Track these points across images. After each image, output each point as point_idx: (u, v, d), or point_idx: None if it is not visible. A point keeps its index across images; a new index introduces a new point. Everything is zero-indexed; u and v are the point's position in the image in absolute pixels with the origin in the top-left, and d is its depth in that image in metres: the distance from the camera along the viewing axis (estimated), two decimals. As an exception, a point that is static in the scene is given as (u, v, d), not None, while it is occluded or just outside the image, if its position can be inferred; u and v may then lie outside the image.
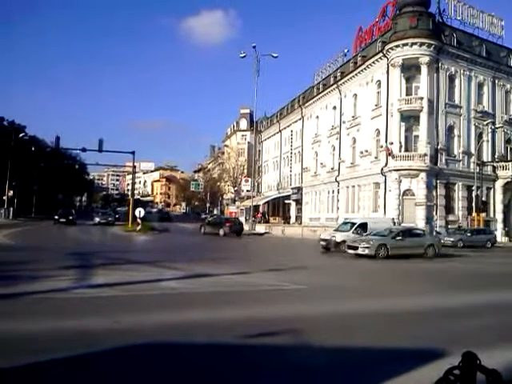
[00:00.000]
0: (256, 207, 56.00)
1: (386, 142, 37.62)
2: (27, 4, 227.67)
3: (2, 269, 13.40)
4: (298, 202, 57.30)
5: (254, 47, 42.05)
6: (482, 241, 31.97)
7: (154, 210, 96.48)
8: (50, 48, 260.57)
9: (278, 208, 64.20)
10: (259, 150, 75.61)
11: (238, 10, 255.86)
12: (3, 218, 48.56)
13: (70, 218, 45.57)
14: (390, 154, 36.49)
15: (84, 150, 45.95)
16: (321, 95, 52.03)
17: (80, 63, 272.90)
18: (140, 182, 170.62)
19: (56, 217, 45.72)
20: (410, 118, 37.25)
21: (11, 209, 51.07)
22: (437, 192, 36.29)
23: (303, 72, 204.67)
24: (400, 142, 36.82)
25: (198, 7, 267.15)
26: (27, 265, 14.26)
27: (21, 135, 56.81)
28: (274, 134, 69.43)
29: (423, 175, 35.44)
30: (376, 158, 40.01)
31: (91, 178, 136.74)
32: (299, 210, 57.06)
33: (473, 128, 39.49)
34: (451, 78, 38.57)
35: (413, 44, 36.19)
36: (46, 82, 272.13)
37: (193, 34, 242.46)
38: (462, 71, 38.90)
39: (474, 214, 36.11)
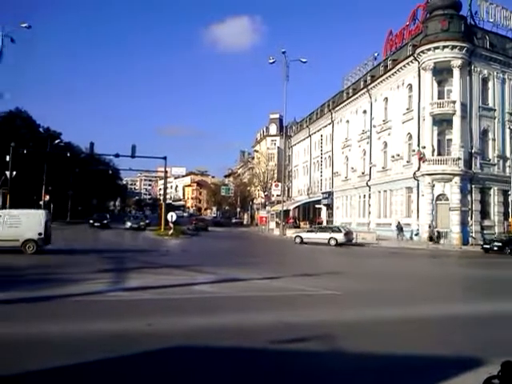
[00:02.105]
0: (286, 212, 55.90)
1: (419, 145, 37.05)
2: (60, 14, 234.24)
3: (39, 272, 13.87)
4: (329, 207, 56.93)
5: (284, 53, 42.10)
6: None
7: (186, 214, 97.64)
8: (83, 56, 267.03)
9: (309, 213, 63.92)
10: (289, 155, 75.49)
11: (263, 16, 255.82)
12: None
13: (105, 222, 46.68)
14: (422, 158, 35.95)
15: (117, 155, 46.86)
16: (351, 99, 51.67)
17: (111, 71, 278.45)
18: (172, 187, 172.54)
19: (91, 221, 46.87)
20: (442, 122, 36.62)
21: (48, 213, 52.36)
22: (472, 197, 35.49)
23: (332, 76, 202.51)
24: (432, 146, 36.22)
25: (223, 15, 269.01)
26: (63, 268, 14.71)
27: (56, 141, 58.43)
28: (304, 139, 69.26)
29: (457, 179, 34.74)
30: (408, 162, 39.45)
31: (124, 183, 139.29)
32: (330, 215, 56.68)
33: (507, 131, 38.52)
34: (484, 81, 37.74)
35: (444, 47, 35.61)
36: (79, 90, 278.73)
37: (218, 41, 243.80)
38: (495, 74, 38.03)
39: (511, 219, 35.18)
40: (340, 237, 32.86)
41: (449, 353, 6.51)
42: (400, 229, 37.69)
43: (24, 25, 35.78)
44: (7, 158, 40.11)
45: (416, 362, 6.21)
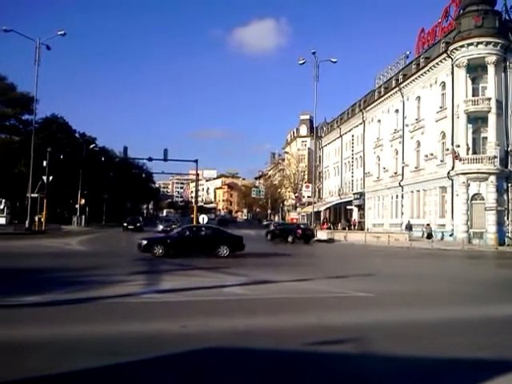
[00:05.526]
0: (317, 213, 55.64)
1: (453, 144, 36.32)
2: (96, 20, 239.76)
3: (75, 274, 14.19)
4: (361, 208, 56.39)
5: (314, 53, 41.94)
6: None
7: (217, 217, 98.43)
8: (117, 63, 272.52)
9: (340, 214, 63.42)
10: (320, 156, 75.16)
11: (288, 18, 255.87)
12: (76, 225, 51.17)
13: (138, 224, 47.45)
14: (456, 157, 35.21)
15: (150, 159, 47.70)
16: (382, 99, 51.07)
17: (140, 76, 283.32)
18: (203, 190, 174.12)
19: (125, 224, 47.75)
20: (477, 120, 35.82)
21: (83, 216, 53.73)
22: (508, 196, 34.60)
23: (363, 76, 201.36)
24: (467, 145, 35.43)
25: (247, 18, 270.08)
26: (98, 270, 15.02)
27: (91, 146, 59.87)
28: (335, 139, 68.81)
29: (493, 178, 33.89)
30: (442, 161, 38.71)
31: (157, 186, 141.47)
32: (361, 216, 56.14)
33: (546, 128, 37.32)
34: (520, 77, 36.69)
35: (478, 43, 34.82)
36: (112, 95, 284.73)
37: (244, 44, 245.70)
38: (531, 69, 36.91)
39: (549, 218, 34.13)
40: None
41: (485, 355, 6.35)
42: (409, 228, 38.16)
43: (60, 32, 36.86)
44: (44, 163, 41.17)
45: (451, 366, 6.09)
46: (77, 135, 67.05)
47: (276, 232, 39.63)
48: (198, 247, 21.04)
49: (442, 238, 35.98)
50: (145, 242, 20.56)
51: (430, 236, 35.85)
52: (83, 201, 55.39)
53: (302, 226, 41.34)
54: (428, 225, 38.40)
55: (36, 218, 39.24)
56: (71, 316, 8.47)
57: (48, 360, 5.79)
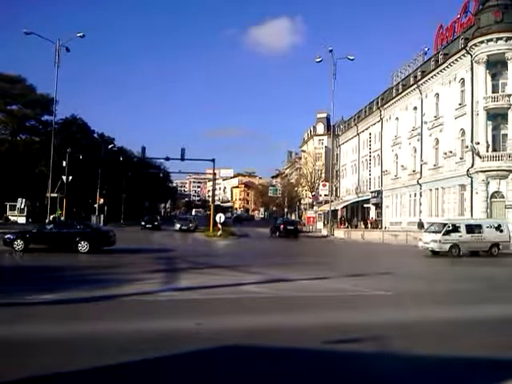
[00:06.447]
0: (334, 212, 55.38)
1: (472, 141, 35.79)
2: (111, 19, 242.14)
3: (95, 272, 14.40)
4: (378, 206, 55.94)
5: (331, 51, 41.72)
6: None
7: (234, 215, 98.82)
8: (133, 62, 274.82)
9: (357, 212, 63.03)
10: (337, 154, 74.77)
11: (303, 16, 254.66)
12: (95, 224, 51.71)
13: (156, 223, 47.87)
14: (476, 154, 34.69)
15: (168, 158, 48.02)
16: (400, 96, 50.53)
17: (158, 77, 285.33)
18: (220, 189, 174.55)
19: (143, 223, 48.18)
20: (497, 117, 35.21)
21: (102, 216, 54.29)
22: (529, 194, 33.91)
23: (380, 73, 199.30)
24: (487, 142, 34.87)
25: (262, 16, 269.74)
26: (118, 268, 15.22)
27: (110, 146, 60.46)
28: (352, 138, 68.36)
29: (513, 176, 33.30)
30: (461, 158, 38.17)
31: (174, 185, 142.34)
32: (379, 214, 55.68)
33: None
34: (541, 72, 35.93)
35: (498, 39, 34.17)
36: (130, 96, 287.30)
37: (260, 43, 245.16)
38: (553, 64, 36.13)
39: None
40: None
41: (506, 355, 6.29)
42: (421, 226, 38.35)
43: (79, 34, 37.30)
44: (63, 164, 41.68)
45: (470, 364, 6.04)
46: (95, 135, 67.87)
47: (273, 228, 43.99)
48: (57, 242, 20.37)
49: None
50: (7, 236, 20.32)
51: None
52: (102, 200, 55.98)
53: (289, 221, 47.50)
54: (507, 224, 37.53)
55: (51, 217, 39.71)
56: (89, 314, 8.59)
57: (56, 357, 5.86)
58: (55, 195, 41.20)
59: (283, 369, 5.78)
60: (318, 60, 41.76)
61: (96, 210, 54.52)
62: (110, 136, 70.82)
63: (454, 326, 8.34)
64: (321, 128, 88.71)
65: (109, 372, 5.47)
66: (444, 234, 24.21)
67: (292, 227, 42.88)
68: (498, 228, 25.34)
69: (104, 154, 54.02)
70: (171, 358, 5.94)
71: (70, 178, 42.25)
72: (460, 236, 24.26)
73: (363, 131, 63.09)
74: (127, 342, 6.66)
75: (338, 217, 62.15)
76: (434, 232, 25.29)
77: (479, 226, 25.22)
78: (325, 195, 56.83)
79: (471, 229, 24.84)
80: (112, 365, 5.57)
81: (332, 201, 52.77)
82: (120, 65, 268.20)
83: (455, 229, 24.58)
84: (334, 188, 67.21)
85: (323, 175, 71.34)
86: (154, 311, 8.94)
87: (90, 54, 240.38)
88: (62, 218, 40.41)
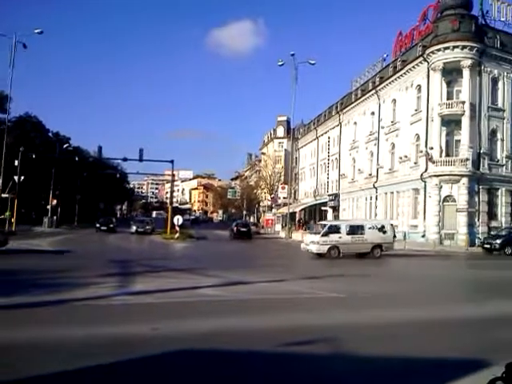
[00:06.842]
0: (292, 214, 55.75)
1: (426, 147, 36.82)
2: (71, 17, 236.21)
3: (46, 276, 13.81)
4: (335, 209, 56.72)
5: (293, 55, 41.95)
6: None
7: (192, 217, 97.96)
8: (90, 61, 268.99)
9: (315, 215, 63.74)
10: (296, 157, 75.42)
11: (265, 19, 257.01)
12: (47, 226, 50.03)
13: (111, 226, 46.72)
14: (430, 159, 35.69)
15: (125, 159, 47.10)
16: (359, 101, 51.49)
17: (117, 76, 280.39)
18: (178, 190, 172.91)
19: (97, 225, 46.94)
20: (451, 123, 36.36)
21: (55, 217, 52.66)
22: (479, 198, 35.15)
23: (340, 78, 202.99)
24: (440, 147, 35.93)
25: (225, 18, 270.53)
26: (70, 272, 14.65)
27: (65, 146, 58.77)
28: (311, 141, 69.17)
29: (465, 181, 34.44)
30: (415, 163, 39.20)
31: (131, 186, 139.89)
32: (336, 217, 56.45)
33: (517, 132, 38.15)
34: (494, 81, 37.37)
35: (454, 47, 35.32)
36: (87, 95, 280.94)
37: (222, 45, 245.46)
38: (505, 73, 37.62)
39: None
40: None
41: (454, 355, 6.42)
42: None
43: (37, 30, 36.01)
44: (16, 163, 40.22)
45: (420, 365, 6.13)
46: (50, 134, 65.79)
47: (230, 231, 45.18)
48: None
49: (405, 238, 35.50)
50: None
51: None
52: (55, 201, 54.32)
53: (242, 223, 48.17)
54: (391, 225, 38.59)
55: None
56: (39, 319, 8.28)
57: (4, 364, 5.56)
58: (6, 195, 39.62)
59: (239, 372, 5.73)
60: (279, 64, 41.97)
61: (49, 211, 52.80)
62: (66, 135, 68.78)
63: (405, 326, 8.46)
64: (281, 131, 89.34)
65: (64, 378, 5.26)
66: (323, 236, 23.48)
67: (245, 229, 43.77)
68: (381, 229, 24.56)
69: (59, 153, 52.58)
70: (126, 363, 5.78)
71: (22, 177, 40.80)
72: (340, 237, 23.42)
73: (322, 135, 63.93)
74: (81, 347, 6.43)
75: (297, 219, 62.63)
76: (315, 233, 24.90)
77: (361, 227, 24.47)
78: (284, 198, 57.19)
79: (352, 230, 24.05)
80: (68, 370, 5.37)
81: (291, 203, 53.13)
82: (78, 64, 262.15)
83: (336, 230, 23.92)
84: (293, 191, 67.73)
85: (282, 178, 71.89)
86: (108, 316, 8.68)
87: (48, 52, 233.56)
88: (12, 220, 39.00)
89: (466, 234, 33.05)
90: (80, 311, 9.03)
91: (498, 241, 29.39)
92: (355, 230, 24.23)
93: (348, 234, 23.68)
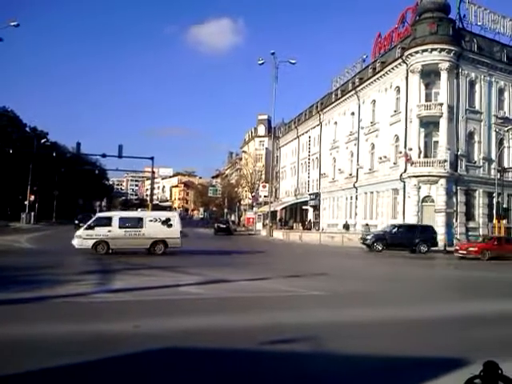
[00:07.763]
0: (273, 213, 55.90)
1: (405, 147, 37.30)
2: (45, 10, 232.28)
3: (24, 273, 13.65)
4: (316, 208, 57.06)
5: (273, 54, 42.11)
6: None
7: None
8: (70, 54, 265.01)
9: (296, 214, 64.02)
10: (277, 156, 75.56)
11: (245, 18, 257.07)
12: (25, 222, 49.32)
13: (89, 222, 46.06)
14: (408, 160, 36.17)
15: (104, 155, 46.71)
16: (339, 101, 51.84)
17: (99, 71, 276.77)
18: (159, 188, 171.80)
19: (76, 221, 46.27)
20: (429, 124, 36.87)
21: (32, 213, 51.87)
22: (457, 199, 35.76)
23: (321, 78, 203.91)
24: (419, 148, 36.45)
25: (203, 16, 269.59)
26: (49, 269, 14.49)
27: (43, 141, 57.91)
28: (292, 140, 69.38)
29: (443, 181, 35.00)
30: (395, 164, 39.67)
31: (111, 183, 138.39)
32: (317, 216, 56.81)
33: (493, 134, 38.86)
34: (471, 84, 38.07)
35: (432, 50, 35.86)
36: (67, 90, 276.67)
37: (200, 42, 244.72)
38: (482, 77, 38.36)
39: (495, 221, 35.48)
40: None
41: (432, 354, 6.52)
42: (346, 227, 41.40)
43: (13, 23, 35.32)
44: (-9, 158, 39.57)
45: (398, 364, 6.20)
46: (28, 129, 64.76)
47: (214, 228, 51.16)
48: None
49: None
50: None
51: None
52: (33, 197, 53.50)
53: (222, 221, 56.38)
54: (367, 225, 39.30)
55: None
56: (18, 316, 8.17)
57: None
58: (-19, 191, 38.92)
59: (222, 369, 5.74)
60: (260, 62, 42.06)
61: (26, 207, 51.97)
62: (44, 130, 67.96)
63: (384, 325, 8.59)
64: (262, 129, 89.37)
65: (45, 376, 5.23)
66: (87, 229, 20.77)
67: (224, 226, 51.00)
68: (166, 222, 21.67)
69: (36, 148, 51.76)
70: (109, 361, 5.76)
71: (-1, 173, 40.10)
72: (109, 231, 20.58)
73: (303, 134, 64.17)
74: (62, 345, 6.37)
75: (278, 218, 62.79)
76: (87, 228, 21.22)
77: (139, 220, 21.59)
78: (264, 196, 57.31)
79: (126, 223, 21.24)
80: (49, 368, 5.33)
81: (271, 202, 53.28)
82: (57, 60, 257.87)
83: (106, 223, 21.00)
84: (274, 189, 67.89)
85: (263, 176, 71.95)
86: (89, 313, 8.64)
87: (25, 45, 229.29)
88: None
89: (443, 234, 33.55)
90: (60, 308, 8.94)
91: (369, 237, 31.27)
92: (131, 222, 21.45)
93: (121, 227, 20.89)
